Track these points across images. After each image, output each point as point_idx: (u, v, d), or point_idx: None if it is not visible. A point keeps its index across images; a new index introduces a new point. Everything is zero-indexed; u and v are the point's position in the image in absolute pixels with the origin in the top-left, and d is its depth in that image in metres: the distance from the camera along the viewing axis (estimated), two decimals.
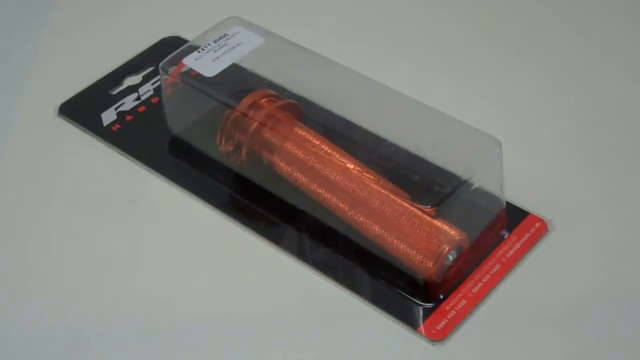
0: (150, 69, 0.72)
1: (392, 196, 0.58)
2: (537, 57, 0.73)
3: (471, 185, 0.58)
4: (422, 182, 0.59)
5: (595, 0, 0.78)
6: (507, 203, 0.61)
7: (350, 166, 0.60)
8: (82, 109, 0.70)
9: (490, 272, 0.59)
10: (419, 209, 0.58)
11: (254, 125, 0.62)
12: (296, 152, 0.62)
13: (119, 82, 0.72)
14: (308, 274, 0.60)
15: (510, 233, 0.61)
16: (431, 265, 0.57)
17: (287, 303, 0.59)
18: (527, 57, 0.74)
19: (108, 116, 0.69)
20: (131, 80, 0.72)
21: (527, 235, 0.61)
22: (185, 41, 0.70)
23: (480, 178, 0.59)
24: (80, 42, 0.76)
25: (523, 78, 0.72)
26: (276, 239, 0.62)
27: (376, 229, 0.59)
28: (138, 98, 0.71)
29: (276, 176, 0.63)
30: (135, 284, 0.60)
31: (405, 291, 0.58)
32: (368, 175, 0.60)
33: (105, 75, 0.72)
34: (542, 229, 0.61)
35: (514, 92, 0.71)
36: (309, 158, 0.61)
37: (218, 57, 0.65)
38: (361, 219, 0.59)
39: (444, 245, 0.57)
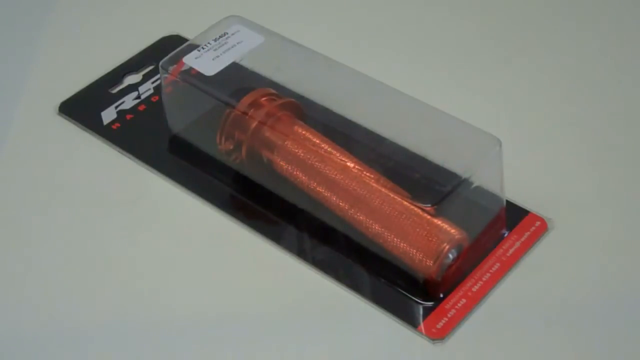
0: (150, 67, 0.72)
1: (392, 195, 0.58)
2: (537, 55, 0.73)
3: (471, 183, 0.58)
4: (422, 180, 0.59)
5: None
6: (507, 202, 0.61)
7: (350, 165, 0.60)
8: (82, 108, 0.70)
9: (490, 270, 0.59)
10: (419, 207, 0.58)
11: (254, 124, 0.62)
12: (296, 150, 0.62)
13: (119, 80, 0.72)
14: (308, 273, 0.60)
15: (510, 232, 0.61)
16: (431, 264, 0.57)
17: (287, 302, 0.59)
18: (528, 55, 0.73)
19: (108, 115, 0.69)
20: (131, 79, 0.72)
21: (527, 234, 0.61)
22: (186, 40, 0.70)
23: (481, 177, 0.59)
24: (81, 40, 0.76)
25: (523, 76, 0.72)
26: (276, 238, 0.62)
27: (376, 227, 0.59)
28: (138, 97, 0.71)
29: (276, 175, 0.63)
30: (135, 282, 0.60)
31: (405, 290, 0.58)
32: (368, 174, 0.60)
33: (105, 74, 0.72)
34: (543, 227, 0.61)
35: (514, 91, 0.71)
36: (309, 157, 0.61)
37: (218, 56, 0.65)
38: (361, 217, 0.59)
39: (444, 244, 0.57)
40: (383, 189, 0.59)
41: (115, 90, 0.71)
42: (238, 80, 0.65)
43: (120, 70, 0.73)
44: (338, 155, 0.61)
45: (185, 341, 0.57)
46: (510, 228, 0.61)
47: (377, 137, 0.62)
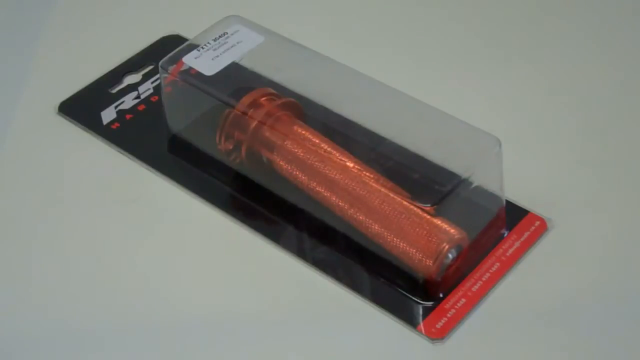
0: (150, 67, 0.72)
1: (391, 194, 0.58)
2: (537, 56, 0.73)
3: (471, 183, 0.58)
4: (422, 180, 0.59)
5: (595, 0, 0.78)
6: (507, 201, 0.61)
7: (350, 164, 0.60)
8: (82, 108, 0.70)
9: (490, 270, 0.59)
10: (418, 207, 0.57)
11: (253, 124, 0.62)
12: (296, 150, 0.62)
13: (118, 80, 0.72)
14: (308, 272, 0.60)
15: (510, 231, 0.61)
16: (431, 264, 0.57)
17: (287, 301, 0.59)
18: (527, 56, 0.73)
19: (108, 115, 0.69)
20: (131, 79, 0.72)
21: (526, 234, 0.61)
22: (185, 40, 0.70)
23: (480, 176, 0.59)
24: (80, 40, 0.76)
25: (523, 77, 0.72)
26: (276, 238, 0.62)
27: (376, 227, 0.59)
28: (138, 97, 0.71)
29: (276, 175, 0.63)
30: (135, 282, 0.60)
31: (405, 289, 0.58)
32: (368, 174, 0.60)
33: (105, 74, 0.72)
34: (542, 227, 0.61)
35: (514, 91, 0.71)
36: (308, 156, 0.61)
37: (218, 56, 0.65)
38: (361, 217, 0.59)
39: (444, 244, 0.57)
40: (383, 189, 0.59)
41: (115, 90, 0.71)
42: (238, 80, 0.65)
43: (120, 70, 0.73)
44: (338, 155, 0.61)
45: (184, 341, 0.57)
46: (509, 228, 0.61)
47: (377, 137, 0.62)
